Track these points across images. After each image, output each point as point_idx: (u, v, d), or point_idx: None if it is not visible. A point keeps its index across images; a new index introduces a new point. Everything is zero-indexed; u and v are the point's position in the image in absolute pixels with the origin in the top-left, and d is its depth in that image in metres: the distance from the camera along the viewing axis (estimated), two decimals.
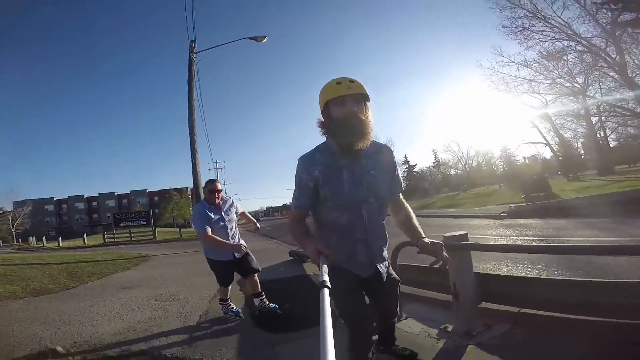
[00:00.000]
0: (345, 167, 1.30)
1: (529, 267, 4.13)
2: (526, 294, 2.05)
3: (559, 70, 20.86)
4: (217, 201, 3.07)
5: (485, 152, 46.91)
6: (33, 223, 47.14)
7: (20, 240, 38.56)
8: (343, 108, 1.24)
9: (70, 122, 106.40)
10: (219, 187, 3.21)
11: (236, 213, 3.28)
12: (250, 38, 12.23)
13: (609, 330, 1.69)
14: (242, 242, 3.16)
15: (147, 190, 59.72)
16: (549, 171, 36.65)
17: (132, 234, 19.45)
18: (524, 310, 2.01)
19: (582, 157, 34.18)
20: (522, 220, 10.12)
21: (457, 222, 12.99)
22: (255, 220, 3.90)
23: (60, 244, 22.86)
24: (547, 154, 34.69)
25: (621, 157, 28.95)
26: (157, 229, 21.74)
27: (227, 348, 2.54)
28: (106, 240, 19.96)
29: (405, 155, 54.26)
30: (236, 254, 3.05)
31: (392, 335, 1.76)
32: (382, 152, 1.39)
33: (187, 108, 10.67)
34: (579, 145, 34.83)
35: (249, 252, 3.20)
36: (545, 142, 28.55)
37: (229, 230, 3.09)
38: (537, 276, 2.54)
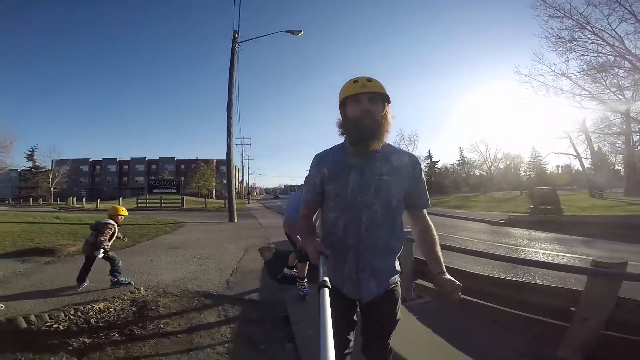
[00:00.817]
0: (355, 167, 1.21)
1: (487, 266, 4.73)
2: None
3: (605, 81, 20.15)
4: None
5: (514, 156, 46.12)
6: (68, 183, 48.88)
7: (58, 199, 38.42)
8: (358, 106, 1.18)
9: (110, 90, 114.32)
10: None
11: None
12: (287, 31, 13.22)
13: (518, 320, 2.47)
14: None
15: (175, 158, 62.80)
16: (578, 184, 35.45)
17: (162, 201, 21.45)
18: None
19: (618, 173, 32.57)
20: (513, 229, 10.73)
21: (454, 222, 13.68)
22: None
23: (98, 206, 23.80)
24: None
25: None
26: (185, 198, 23.68)
27: (253, 291, 3.85)
28: (139, 205, 21.60)
29: (429, 151, 54.48)
30: None
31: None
32: (404, 159, 1.26)
33: (227, 95, 12.04)
34: (617, 160, 33.31)
35: None
36: (575, 154, 27.85)
37: None
38: (473, 272, 3.31)
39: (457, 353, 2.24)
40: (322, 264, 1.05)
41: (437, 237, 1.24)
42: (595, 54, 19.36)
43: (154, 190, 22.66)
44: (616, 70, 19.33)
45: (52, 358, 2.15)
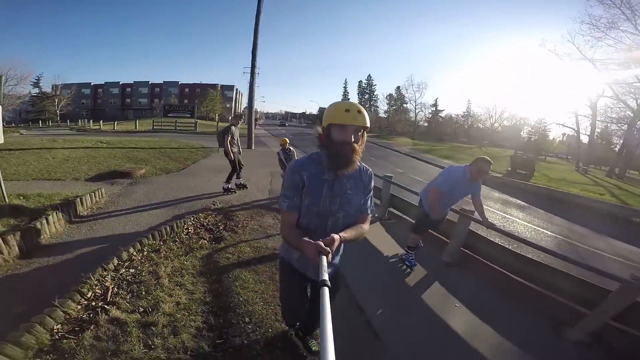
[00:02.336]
0: (328, 182, 1.42)
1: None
2: (489, 253, 3.76)
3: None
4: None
5: (520, 118, 46.60)
6: (71, 105, 50.53)
7: (67, 120, 38.54)
8: (343, 135, 1.31)
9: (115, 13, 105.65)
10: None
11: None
12: None
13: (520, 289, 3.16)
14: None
15: (180, 82, 61.81)
16: (573, 155, 36.69)
17: (177, 124, 22.62)
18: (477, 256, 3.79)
19: (612, 154, 33.31)
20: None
21: (431, 170, 14.86)
22: None
23: (116, 127, 23.93)
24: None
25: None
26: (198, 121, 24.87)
27: None
28: (154, 127, 22.67)
29: (436, 99, 55.05)
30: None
31: (309, 330, 2.05)
32: (363, 176, 1.49)
33: (252, 39, 12.53)
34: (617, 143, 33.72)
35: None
36: (575, 128, 28.74)
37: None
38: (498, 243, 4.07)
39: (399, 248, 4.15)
40: (322, 262, 1.09)
41: (362, 231, 1.46)
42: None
43: (169, 115, 23.71)
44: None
45: (201, 242, 3.75)
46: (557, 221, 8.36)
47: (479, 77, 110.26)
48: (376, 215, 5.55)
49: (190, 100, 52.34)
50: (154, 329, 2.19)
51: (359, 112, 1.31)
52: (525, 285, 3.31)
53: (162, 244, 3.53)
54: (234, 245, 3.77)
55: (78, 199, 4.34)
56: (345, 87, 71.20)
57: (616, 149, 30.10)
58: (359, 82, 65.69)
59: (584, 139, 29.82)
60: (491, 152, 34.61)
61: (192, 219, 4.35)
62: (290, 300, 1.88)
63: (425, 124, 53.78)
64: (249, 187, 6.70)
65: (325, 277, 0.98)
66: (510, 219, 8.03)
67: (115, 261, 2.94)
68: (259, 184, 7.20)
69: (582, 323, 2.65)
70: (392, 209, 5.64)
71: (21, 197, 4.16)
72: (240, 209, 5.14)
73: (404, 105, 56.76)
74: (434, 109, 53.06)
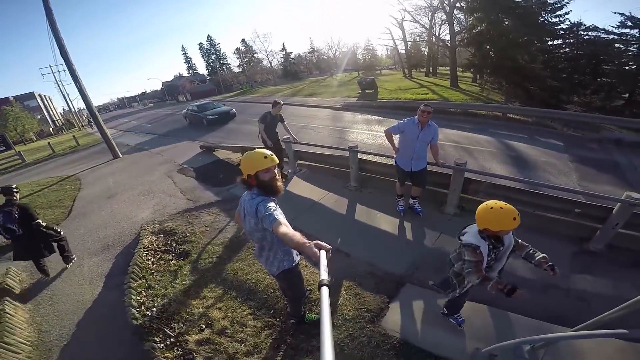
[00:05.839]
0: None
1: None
2: (493, 193, 4.11)
3: None
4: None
5: (353, 43, 54.38)
6: None
7: None
8: (268, 174, 1.87)
9: None
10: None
11: None
12: None
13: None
14: None
15: None
16: (399, 65, 44.96)
17: None
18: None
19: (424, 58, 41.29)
20: (346, 113, 15.36)
21: (309, 112, 17.00)
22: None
23: None
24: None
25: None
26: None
27: (210, 195, 6.06)
28: None
29: (283, 44, 56.91)
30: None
31: (294, 311, 2.70)
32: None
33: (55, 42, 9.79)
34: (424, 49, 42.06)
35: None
36: (394, 45, 35.29)
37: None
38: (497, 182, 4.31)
39: (319, 190, 5.50)
40: (323, 257, 1.18)
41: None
42: None
43: None
44: None
45: (171, 263, 4.12)
46: None
47: (310, 14, 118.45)
48: (289, 171, 6.58)
49: None
50: (227, 331, 2.87)
51: (272, 154, 1.88)
52: (530, 214, 3.73)
53: (145, 280, 3.67)
54: (203, 250, 4.21)
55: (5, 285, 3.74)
56: (185, 54, 64.79)
57: (425, 53, 38.48)
58: (199, 44, 60.80)
59: (403, 52, 36.93)
60: (341, 78, 39.92)
61: (142, 250, 4.27)
62: (304, 291, 2.66)
63: (281, 68, 55.37)
64: (160, 197, 6.50)
65: (325, 276, 1.02)
66: (377, 134, 10.38)
67: (133, 310, 3.11)
68: (166, 190, 6.95)
69: (597, 236, 3.29)
70: (300, 161, 6.72)
71: None
72: (173, 222, 5.16)
73: (255, 55, 56.35)
74: (283, 53, 54.60)
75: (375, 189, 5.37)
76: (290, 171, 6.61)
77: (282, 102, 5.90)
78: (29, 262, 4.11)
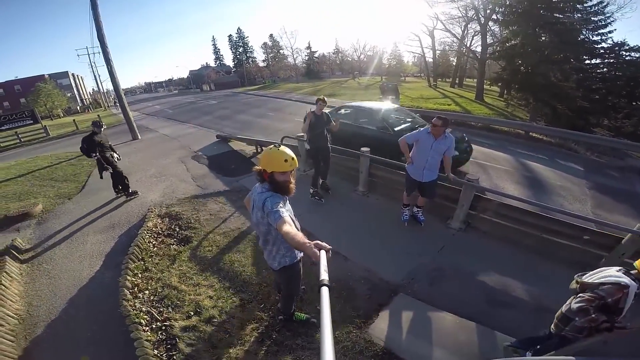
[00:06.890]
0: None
1: None
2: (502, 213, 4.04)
3: None
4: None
5: (380, 47, 54.17)
6: None
7: None
8: (284, 177, 1.91)
9: None
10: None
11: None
12: None
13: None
14: None
15: None
16: (425, 73, 44.29)
17: (19, 136, 17.11)
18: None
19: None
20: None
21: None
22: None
23: None
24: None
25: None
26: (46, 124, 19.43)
27: (220, 185, 6.15)
28: None
29: (309, 42, 57.36)
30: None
31: (285, 308, 2.72)
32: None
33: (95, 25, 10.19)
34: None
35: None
36: (422, 53, 34.64)
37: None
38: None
39: (325, 192, 5.42)
40: (323, 258, 1.17)
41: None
42: None
43: (3, 127, 17.71)
44: None
45: (172, 248, 4.24)
46: None
47: (339, 15, 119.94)
48: (300, 169, 6.59)
49: (13, 104, 40.35)
50: (215, 320, 2.90)
51: (293, 158, 1.88)
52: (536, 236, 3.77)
53: (143, 262, 3.74)
54: (204, 238, 4.29)
55: (7, 257, 3.90)
56: (214, 45, 66.24)
57: (453, 63, 37.58)
58: (228, 36, 62.32)
59: (430, 60, 36.34)
60: (363, 81, 39.50)
61: (145, 232, 4.32)
62: (299, 289, 2.68)
63: (304, 66, 55.77)
64: (171, 181, 6.68)
65: (325, 277, 1.01)
66: None
67: (126, 291, 3.14)
68: (178, 175, 7.11)
69: (602, 264, 3.20)
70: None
71: None
72: (180, 207, 5.27)
73: (281, 51, 56.91)
74: (308, 51, 55.17)
75: (382, 196, 5.29)
76: (300, 169, 6.63)
77: (325, 99, 4.83)
78: (36, 233, 4.91)
